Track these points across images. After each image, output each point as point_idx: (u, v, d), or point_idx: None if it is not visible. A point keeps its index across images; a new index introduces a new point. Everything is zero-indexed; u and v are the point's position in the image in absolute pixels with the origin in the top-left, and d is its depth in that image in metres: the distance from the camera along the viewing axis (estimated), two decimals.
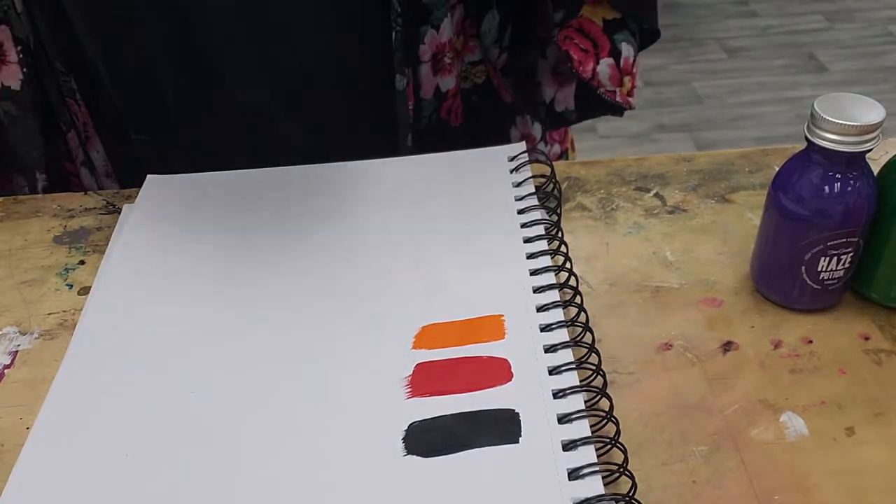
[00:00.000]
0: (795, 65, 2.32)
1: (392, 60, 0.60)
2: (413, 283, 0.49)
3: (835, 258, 0.46)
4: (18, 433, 0.43)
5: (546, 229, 0.52)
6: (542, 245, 0.51)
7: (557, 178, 0.56)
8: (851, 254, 0.46)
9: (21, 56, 0.58)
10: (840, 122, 0.42)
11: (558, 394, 0.41)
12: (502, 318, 0.46)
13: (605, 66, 0.62)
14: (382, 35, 0.59)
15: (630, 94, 0.64)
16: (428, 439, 0.40)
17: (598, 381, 0.42)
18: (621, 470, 0.38)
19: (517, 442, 0.39)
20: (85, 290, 0.52)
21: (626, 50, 0.63)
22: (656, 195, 0.58)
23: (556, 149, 0.78)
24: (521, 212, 0.53)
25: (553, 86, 0.67)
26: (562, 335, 0.45)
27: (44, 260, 0.54)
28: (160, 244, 0.53)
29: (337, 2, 0.60)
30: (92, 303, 0.49)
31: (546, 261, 0.49)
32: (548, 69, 0.67)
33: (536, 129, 0.73)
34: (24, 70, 0.59)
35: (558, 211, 0.54)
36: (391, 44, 0.60)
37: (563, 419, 0.40)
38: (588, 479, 0.38)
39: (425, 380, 0.43)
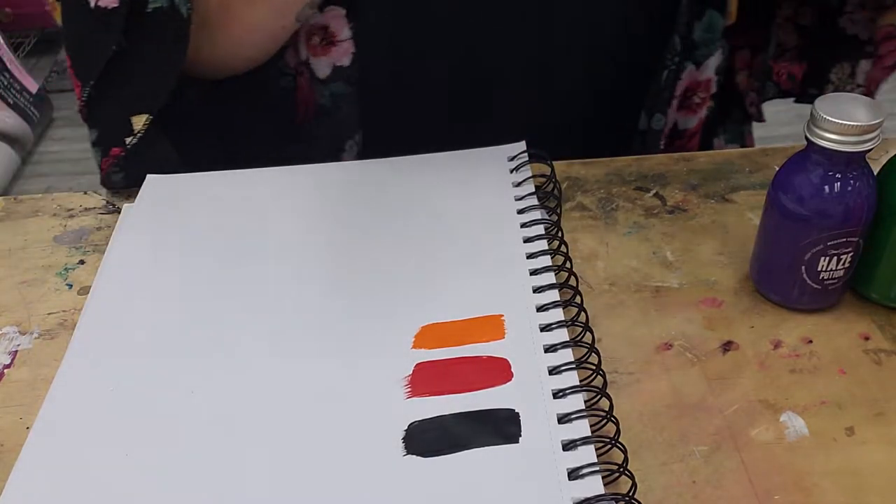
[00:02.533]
0: None
1: (649, 96, 0.61)
2: (413, 283, 0.49)
3: (835, 258, 0.46)
4: (18, 433, 0.43)
5: (546, 229, 0.52)
6: (542, 245, 0.51)
7: (557, 178, 0.56)
8: (851, 254, 0.46)
9: (353, 32, 0.59)
10: (840, 122, 0.42)
11: (558, 394, 0.41)
12: (502, 317, 0.46)
13: None
14: (648, 70, 0.60)
15: None
16: (428, 439, 0.40)
17: (598, 381, 0.42)
18: (621, 470, 0.38)
19: (517, 442, 0.39)
20: (85, 290, 0.52)
21: None
22: (656, 195, 0.58)
23: None
24: (521, 212, 0.53)
25: None
26: (562, 335, 0.45)
27: (44, 260, 0.54)
28: (160, 244, 0.53)
29: (617, 36, 0.61)
30: (92, 303, 0.49)
31: (546, 261, 0.49)
32: None
33: None
34: (356, 47, 0.59)
35: (558, 211, 0.54)
36: (659, 80, 0.61)
37: (563, 419, 0.40)
38: (588, 478, 0.38)
39: (425, 379, 0.43)
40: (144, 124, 0.55)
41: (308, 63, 0.60)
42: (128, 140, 0.55)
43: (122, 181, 0.58)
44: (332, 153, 0.63)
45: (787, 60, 0.65)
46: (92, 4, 0.52)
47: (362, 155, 0.64)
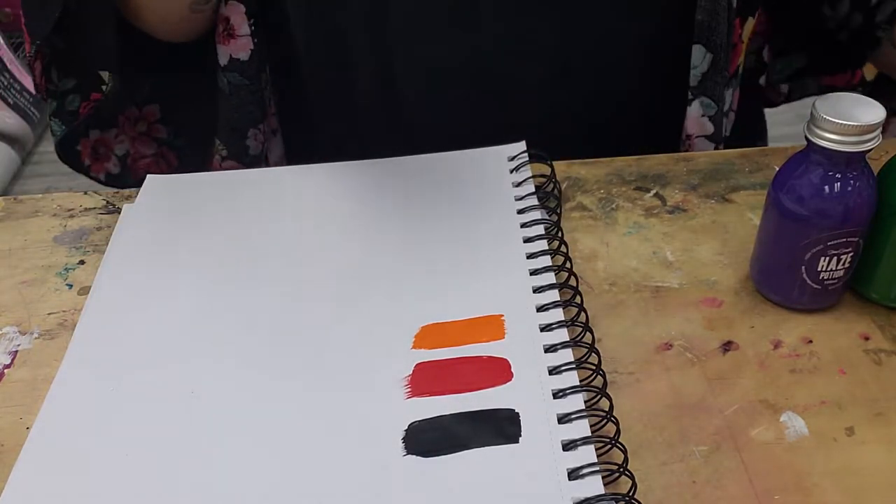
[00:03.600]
0: None
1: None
2: (413, 283, 0.49)
3: (835, 258, 0.46)
4: (18, 433, 0.43)
5: (546, 229, 0.52)
6: (542, 245, 0.51)
7: (557, 178, 0.56)
8: (851, 254, 0.46)
9: (253, 29, 0.61)
10: (840, 122, 0.42)
11: (558, 394, 0.41)
12: (502, 318, 0.46)
13: None
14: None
15: None
16: (428, 439, 0.40)
17: (598, 381, 0.42)
18: (621, 470, 0.38)
19: (517, 442, 0.39)
20: (85, 290, 0.52)
21: None
22: (656, 195, 0.58)
23: None
24: (521, 212, 0.53)
25: None
26: (562, 335, 0.45)
27: (44, 260, 0.54)
28: (160, 244, 0.53)
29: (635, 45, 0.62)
30: (92, 303, 0.49)
31: (546, 261, 0.49)
32: None
33: None
34: (255, 41, 0.61)
35: (558, 211, 0.54)
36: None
37: (563, 419, 0.40)
38: (588, 478, 0.38)
39: (425, 379, 0.43)
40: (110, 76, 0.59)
41: None
42: (104, 87, 0.60)
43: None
44: (235, 136, 0.65)
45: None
46: None
47: (349, 152, 0.65)
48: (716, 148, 0.64)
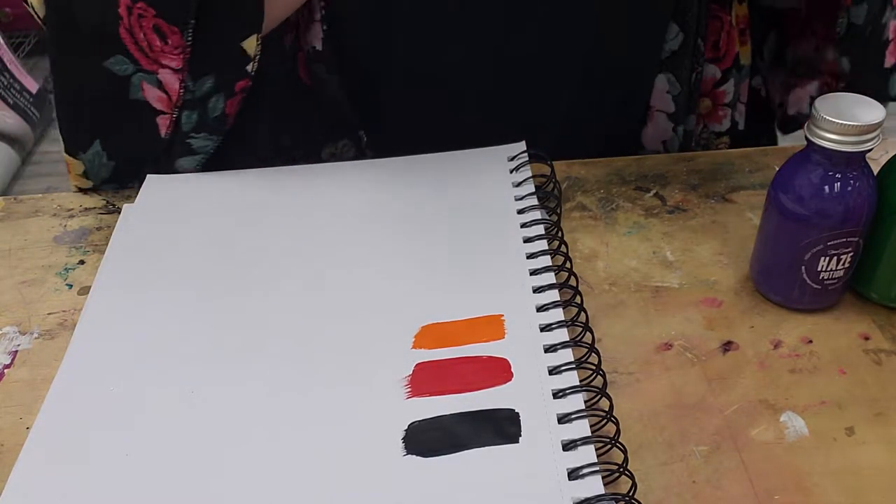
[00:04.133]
0: None
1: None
2: (413, 283, 0.49)
3: (835, 258, 0.46)
4: (18, 433, 0.43)
5: (546, 229, 0.52)
6: (542, 245, 0.51)
7: (557, 178, 0.56)
8: (851, 254, 0.46)
9: (323, 13, 0.59)
10: (840, 122, 0.42)
11: (558, 394, 0.41)
12: (502, 317, 0.46)
13: None
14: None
15: None
16: (428, 439, 0.40)
17: (598, 381, 0.42)
18: (621, 470, 0.38)
19: (517, 442, 0.39)
20: (85, 290, 0.52)
21: None
22: (656, 195, 0.58)
23: None
24: (520, 212, 0.53)
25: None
26: (562, 335, 0.45)
27: (44, 260, 0.54)
28: (160, 244, 0.53)
29: (650, 45, 0.62)
30: (92, 303, 0.49)
31: (546, 261, 0.49)
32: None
33: None
34: (324, 28, 0.59)
35: (558, 211, 0.54)
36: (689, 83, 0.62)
37: (563, 419, 0.40)
38: (588, 478, 0.38)
39: (425, 379, 0.43)
40: (258, 46, 0.53)
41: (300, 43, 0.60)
42: (249, 67, 0.53)
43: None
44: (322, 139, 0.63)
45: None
46: None
47: (362, 153, 0.64)
48: (673, 129, 0.64)
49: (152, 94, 0.54)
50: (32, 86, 2.22)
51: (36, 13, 0.54)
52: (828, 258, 0.46)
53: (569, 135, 0.64)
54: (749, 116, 0.69)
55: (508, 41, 0.61)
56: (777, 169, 0.47)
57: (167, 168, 0.58)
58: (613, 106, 0.65)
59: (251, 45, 0.53)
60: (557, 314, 0.46)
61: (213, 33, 0.52)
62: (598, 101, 0.65)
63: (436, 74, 0.62)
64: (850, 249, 0.46)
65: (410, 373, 0.43)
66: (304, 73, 0.62)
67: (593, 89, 0.64)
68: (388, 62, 0.62)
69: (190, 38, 0.52)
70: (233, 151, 0.59)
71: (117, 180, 0.59)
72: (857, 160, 0.44)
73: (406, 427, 0.41)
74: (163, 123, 0.55)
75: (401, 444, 0.40)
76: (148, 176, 0.58)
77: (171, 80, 0.53)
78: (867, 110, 0.43)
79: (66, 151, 0.57)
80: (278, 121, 0.63)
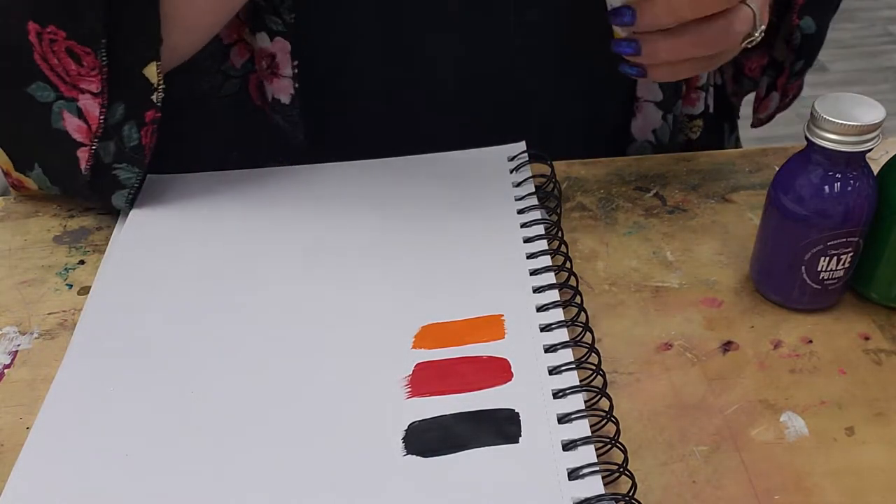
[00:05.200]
0: None
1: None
2: (413, 283, 0.49)
3: (835, 258, 0.46)
4: (18, 433, 0.43)
5: (546, 229, 0.52)
6: (542, 245, 0.51)
7: (557, 178, 0.56)
8: (851, 254, 0.46)
9: (296, 72, 0.59)
10: (840, 122, 0.42)
11: (558, 394, 0.41)
12: (502, 317, 0.46)
13: None
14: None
15: None
16: (428, 439, 0.40)
17: (598, 381, 0.42)
18: (621, 470, 0.38)
19: (517, 442, 0.39)
20: (85, 290, 0.52)
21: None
22: (656, 195, 0.58)
23: None
24: (520, 212, 0.53)
25: None
26: (562, 335, 0.45)
27: (44, 260, 0.54)
28: (160, 244, 0.53)
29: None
30: (92, 303, 0.49)
31: (546, 261, 0.49)
32: None
33: None
34: (296, 86, 0.59)
35: (558, 211, 0.54)
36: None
37: (563, 419, 0.40)
38: (588, 478, 0.38)
39: (425, 379, 0.43)
40: (158, 75, 0.52)
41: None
42: (154, 97, 0.52)
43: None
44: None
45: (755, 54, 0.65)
46: None
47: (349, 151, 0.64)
48: (663, 117, 0.64)
49: (72, 124, 0.52)
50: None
51: None
52: (828, 258, 0.46)
53: (553, 132, 0.64)
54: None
55: (482, 35, 0.61)
56: (777, 169, 0.47)
57: (105, 206, 0.56)
58: (598, 96, 0.65)
59: (152, 73, 0.51)
60: (557, 314, 0.46)
61: (116, 56, 0.51)
62: (582, 90, 0.64)
63: (410, 79, 0.62)
64: (850, 249, 0.46)
65: (410, 373, 0.43)
66: (255, 94, 0.62)
67: (572, 79, 0.63)
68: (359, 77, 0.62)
69: (105, 59, 0.50)
70: (180, 167, 0.59)
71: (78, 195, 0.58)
72: (857, 160, 0.44)
73: (406, 427, 0.41)
74: (83, 157, 0.53)
75: (401, 444, 0.40)
76: (148, 176, 0.58)
77: (92, 107, 0.52)
78: (867, 110, 0.43)
79: (15, 169, 0.56)
80: (226, 139, 0.63)
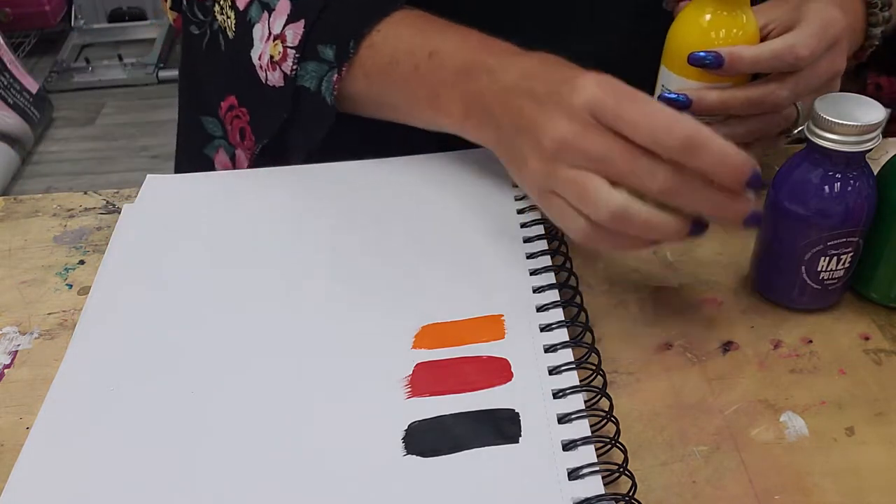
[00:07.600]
0: None
1: None
2: (413, 283, 0.49)
3: (835, 258, 0.46)
4: (18, 433, 0.43)
5: (546, 229, 0.52)
6: (542, 245, 0.51)
7: None
8: (851, 254, 0.46)
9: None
10: (840, 122, 0.42)
11: (558, 394, 0.41)
12: (502, 317, 0.46)
13: None
14: None
15: None
16: (428, 439, 0.40)
17: (598, 381, 0.42)
18: (621, 470, 0.38)
19: (517, 442, 0.39)
20: (85, 290, 0.52)
21: None
22: None
23: None
24: (520, 212, 0.53)
25: None
26: (562, 335, 0.45)
27: (44, 260, 0.54)
28: (160, 244, 0.53)
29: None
30: (92, 303, 0.49)
31: (546, 261, 0.49)
32: None
33: None
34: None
35: None
36: None
37: (563, 419, 0.40)
38: (588, 478, 0.38)
39: (425, 379, 0.43)
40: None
41: None
42: None
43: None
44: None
45: (876, 71, 0.66)
46: (264, 80, 0.58)
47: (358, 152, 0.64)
48: None
49: (221, 160, 0.65)
50: (32, 86, 2.22)
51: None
52: (828, 258, 0.46)
53: None
54: None
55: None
56: (777, 169, 0.47)
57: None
58: None
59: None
60: (557, 314, 0.46)
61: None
62: None
63: None
64: (850, 249, 0.46)
65: (410, 373, 0.43)
66: None
67: None
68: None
69: (257, 151, 0.60)
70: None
71: None
72: (857, 160, 0.44)
73: (406, 427, 0.41)
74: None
75: (401, 444, 0.40)
76: (148, 176, 0.58)
77: (243, 161, 0.63)
78: (867, 110, 0.43)
79: None
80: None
